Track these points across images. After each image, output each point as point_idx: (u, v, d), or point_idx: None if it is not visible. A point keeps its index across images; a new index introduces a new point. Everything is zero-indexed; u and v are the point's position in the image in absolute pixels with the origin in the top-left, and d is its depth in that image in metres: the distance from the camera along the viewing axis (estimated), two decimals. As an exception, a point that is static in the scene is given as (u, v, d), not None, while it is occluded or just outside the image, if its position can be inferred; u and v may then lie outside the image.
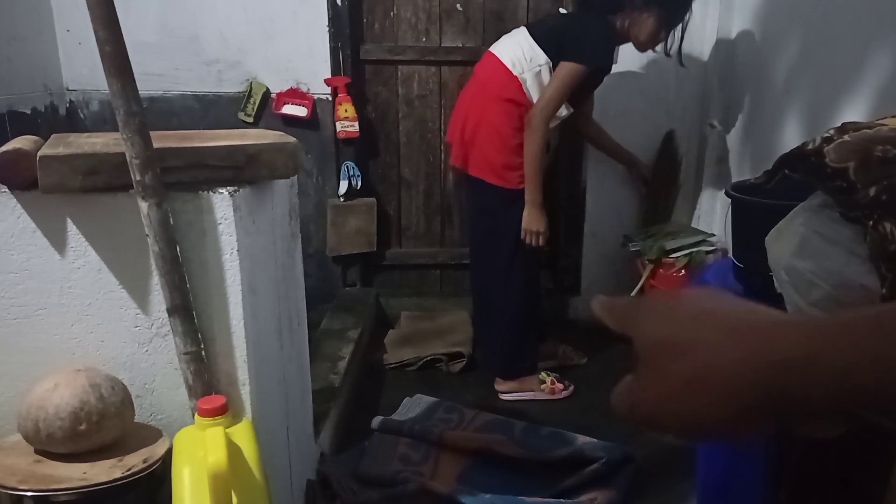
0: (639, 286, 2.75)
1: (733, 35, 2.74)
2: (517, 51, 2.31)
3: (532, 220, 2.32)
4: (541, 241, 2.34)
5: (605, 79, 2.71)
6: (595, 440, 2.09)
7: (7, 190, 1.12)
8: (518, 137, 2.29)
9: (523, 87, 2.29)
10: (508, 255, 2.39)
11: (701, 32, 2.87)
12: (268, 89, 2.88)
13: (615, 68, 2.79)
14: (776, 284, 1.22)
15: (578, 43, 2.23)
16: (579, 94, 2.37)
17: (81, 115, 2.90)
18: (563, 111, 2.37)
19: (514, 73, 2.29)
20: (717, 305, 0.41)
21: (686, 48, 2.85)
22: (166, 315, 1.12)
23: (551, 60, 2.27)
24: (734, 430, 0.39)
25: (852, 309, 0.36)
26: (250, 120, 2.89)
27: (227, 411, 1.09)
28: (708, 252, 2.63)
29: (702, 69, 2.90)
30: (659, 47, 2.40)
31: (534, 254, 2.44)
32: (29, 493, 1.03)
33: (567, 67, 2.22)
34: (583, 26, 2.29)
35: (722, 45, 2.80)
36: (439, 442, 2.10)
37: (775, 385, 0.35)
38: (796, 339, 0.35)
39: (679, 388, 0.39)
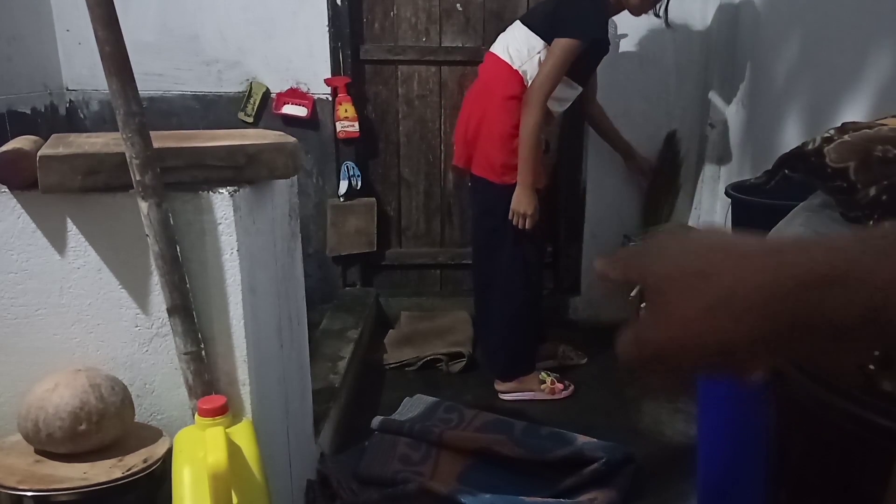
0: (638, 286, 2.75)
1: (733, 34, 2.74)
2: (514, 44, 2.30)
3: (521, 202, 2.27)
4: (528, 224, 2.29)
5: (605, 79, 2.72)
6: (595, 440, 2.09)
7: (7, 190, 1.12)
8: (517, 136, 2.27)
9: (524, 79, 2.28)
10: (510, 255, 2.38)
11: (701, 31, 2.87)
12: (268, 89, 2.88)
13: (614, 69, 2.80)
14: (776, 284, 1.22)
15: (570, 18, 2.20)
16: (582, 70, 2.32)
17: (81, 115, 2.90)
18: (570, 91, 2.33)
19: (515, 68, 2.28)
20: (734, 237, 0.38)
21: (686, 47, 2.87)
22: (166, 315, 1.12)
23: (548, 43, 2.24)
24: (759, 357, 0.37)
25: (880, 227, 0.34)
26: (250, 120, 2.89)
27: (227, 411, 1.09)
28: (708, 252, 2.62)
29: (702, 68, 2.90)
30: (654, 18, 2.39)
31: (537, 254, 2.43)
32: (29, 493, 1.03)
33: (561, 43, 2.18)
34: (573, 1, 2.25)
35: (722, 44, 2.80)
36: (439, 442, 2.10)
37: (803, 302, 0.33)
38: (821, 255, 0.34)
39: (702, 312, 0.36)
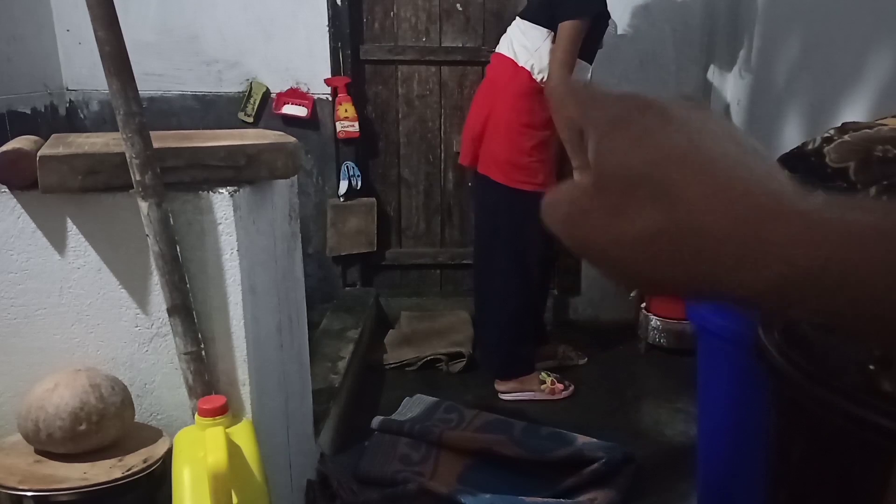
0: (639, 286, 2.75)
1: (734, 34, 2.74)
2: (518, 40, 2.28)
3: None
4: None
5: (604, 77, 2.71)
6: (595, 440, 2.09)
7: (7, 190, 1.12)
8: (525, 135, 2.27)
9: (531, 74, 2.26)
10: (508, 255, 2.38)
11: (701, 31, 2.87)
12: (268, 89, 2.88)
13: (614, 68, 2.80)
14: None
15: (568, 0, 2.19)
16: (590, 47, 2.30)
17: (81, 115, 2.90)
18: (580, 72, 2.30)
19: (521, 64, 2.27)
20: (710, 144, 0.30)
21: (686, 45, 2.87)
22: (166, 315, 1.11)
23: (552, 31, 2.21)
24: (693, 297, 0.31)
25: (855, 205, 0.28)
26: (250, 120, 2.89)
27: (227, 411, 1.09)
28: (708, 252, 2.62)
29: (702, 68, 2.90)
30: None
31: (540, 255, 2.43)
32: (29, 493, 1.03)
33: (566, 27, 2.16)
34: None
35: (722, 44, 2.80)
36: (439, 442, 2.10)
37: (771, 291, 0.28)
38: (803, 245, 0.27)
39: (642, 237, 0.30)
